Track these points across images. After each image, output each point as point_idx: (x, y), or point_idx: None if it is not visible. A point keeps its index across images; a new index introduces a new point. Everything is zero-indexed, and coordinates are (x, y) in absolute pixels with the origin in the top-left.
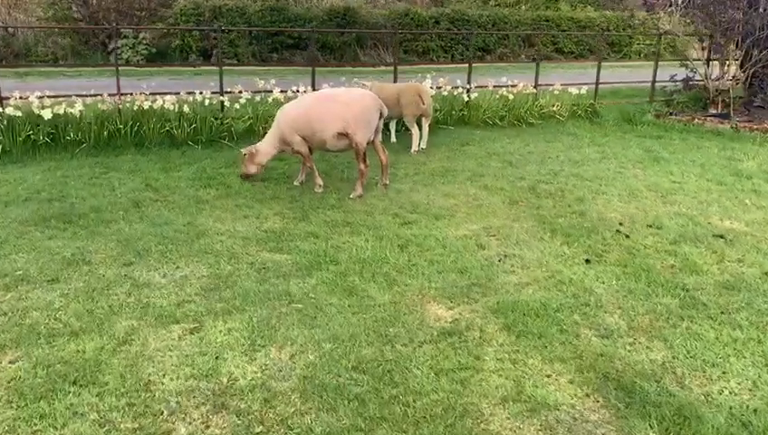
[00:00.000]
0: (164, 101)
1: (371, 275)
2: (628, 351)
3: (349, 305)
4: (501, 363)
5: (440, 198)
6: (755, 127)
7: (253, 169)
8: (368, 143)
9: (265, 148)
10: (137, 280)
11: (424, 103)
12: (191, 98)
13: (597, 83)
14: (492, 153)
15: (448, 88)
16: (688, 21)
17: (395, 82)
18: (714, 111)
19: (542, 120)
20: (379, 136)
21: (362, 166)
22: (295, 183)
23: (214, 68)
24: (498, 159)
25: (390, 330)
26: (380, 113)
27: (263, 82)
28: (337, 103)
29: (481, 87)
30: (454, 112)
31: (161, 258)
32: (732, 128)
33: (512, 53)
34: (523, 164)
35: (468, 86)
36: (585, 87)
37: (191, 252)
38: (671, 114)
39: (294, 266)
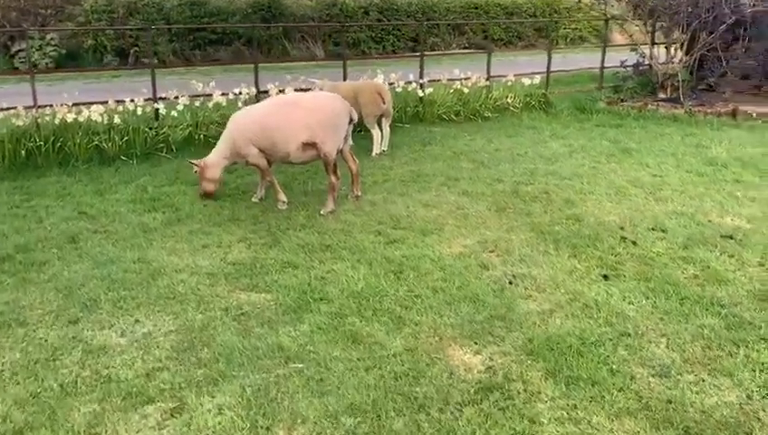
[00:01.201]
0: (90, 112)
1: (372, 314)
2: (697, 393)
3: (358, 359)
4: (562, 426)
5: (421, 209)
6: (708, 111)
7: (211, 187)
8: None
9: (215, 160)
10: (89, 343)
11: (384, 102)
12: (121, 107)
13: (548, 72)
14: (458, 153)
15: (401, 83)
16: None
17: (344, 79)
18: (663, 96)
19: (497, 114)
20: (349, 142)
21: (333, 178)
22: (254, 199)
23: (133, 70)
24: (467, 159)
25: (417, 390)
26: (350, 118)
27: (201, 84)
28: (300, 109)
29: (434, 81)
30: (408, 109)
31: (114, 310)
32: (686, 112)
33: (442, 42)
34: (495, 163)
35: (422, 81)
36: (538, 77)
37: (149, 298)
38: (622, 101)
39: (279, 309)
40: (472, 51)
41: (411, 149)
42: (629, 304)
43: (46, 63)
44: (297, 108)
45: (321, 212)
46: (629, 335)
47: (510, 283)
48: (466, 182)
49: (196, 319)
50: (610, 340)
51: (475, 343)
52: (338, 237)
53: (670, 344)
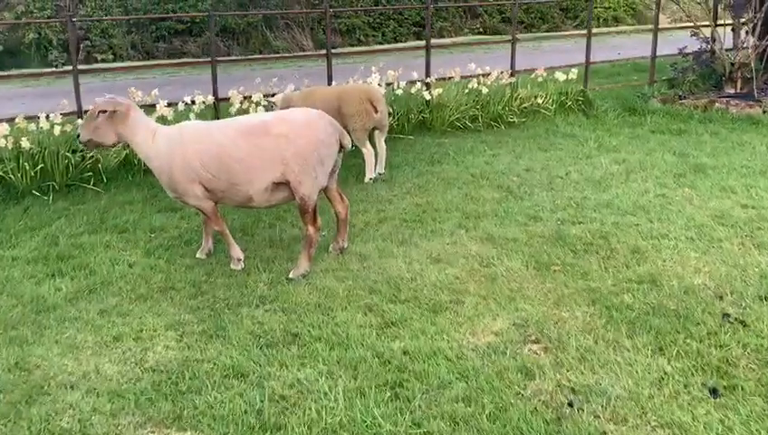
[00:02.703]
0: None
1: None
2: None
3: None
4: None
5: (430, 267)
6: None
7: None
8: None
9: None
10: None
11: (377, 111)
12: (33, 125)
13: (587, 63)
14: (477, 175)
15: (402, 84)
16: None
17: (329, 79)
18: (731, 91)
19: (524, 118)
20: (335, 179)
21: (311, 229)
22: (199, 255)
23: (82, 66)
24: (490, 185)
25: None
26: (340, 144)
27: (140, 92)
28: (270, 137)
29: (444, 79)
30: (412, 116)
31: None
32: (765, 112)
33: (452, 27)
34: (528, 191)
35: (428, 79)
36: (575, 70)
37: None
38: (681, 98)
39: None
40: (487, 39)
41: (416, 171)
42: None
43: None
44: (266, 135)
45: (291, 275)
46: None
47: (570, 404)
48: (491, 221)
49: None
50: None
51: None
52: (310, 319)
53: None
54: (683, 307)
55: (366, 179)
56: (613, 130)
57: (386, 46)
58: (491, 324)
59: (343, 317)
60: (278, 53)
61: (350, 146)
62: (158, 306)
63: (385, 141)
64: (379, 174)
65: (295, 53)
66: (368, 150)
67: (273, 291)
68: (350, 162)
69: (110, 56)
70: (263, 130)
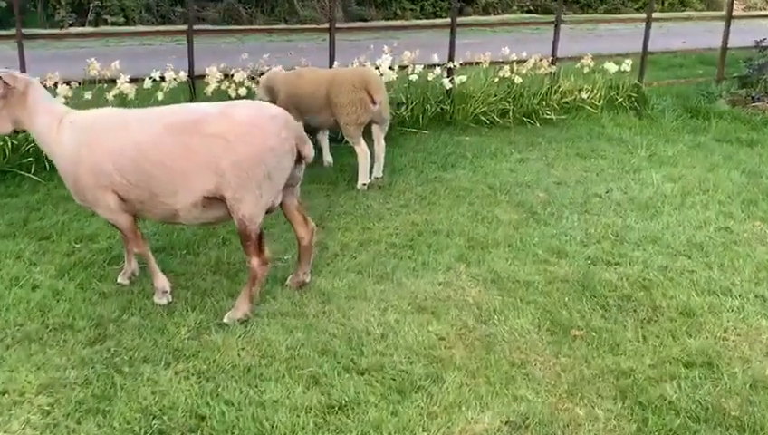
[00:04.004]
0: None
1: None
2: None
3: None
4: None
5: (409, 319)
6: None
7: None
8: (269, 211)
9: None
10: None
11: (375, 102)
12: None
13: (644, 53)
14: (496, 187)
15: (418, 68)
16: None
17: (331, 61)
18: None
19: (564, 115)
20: (296, 194)
21: (254, 262)
22: (120, 280)
23: (87, 29)
24: (508, 202)
25: None
26: (297, 151)
27: (98, 64)
28: (203, 137)
29: (469, 63)
30: (429, 107)
31: None
32: None
33: (499, 4)
34: (555, 213)
35: (451, 64)
36: (629, 61)
37: None
38: (754, 100)
39: None
40: (525, 19)
41: (421, 177)
42: None
43: None
44: (197, 134)
45: (225, 319)
46: None
47: None
48: (501, 253)
49: None
50: None
51: None
52: (230, 393)
53: None
54: (749, 414)
55: (358, 185)
56: (670, 135)
57: (407, 22)
58: (475, 420)
59: (275, 393)
60: (305, 23)
61: (311, 156)
62: (43, 354)
63: (385, 139)
64: (376, 178)
65: (290, 27)
66: (362, 149)
67: (194, 342)
68: (344, 160)
69: (122, 19)
70: (194, 126)
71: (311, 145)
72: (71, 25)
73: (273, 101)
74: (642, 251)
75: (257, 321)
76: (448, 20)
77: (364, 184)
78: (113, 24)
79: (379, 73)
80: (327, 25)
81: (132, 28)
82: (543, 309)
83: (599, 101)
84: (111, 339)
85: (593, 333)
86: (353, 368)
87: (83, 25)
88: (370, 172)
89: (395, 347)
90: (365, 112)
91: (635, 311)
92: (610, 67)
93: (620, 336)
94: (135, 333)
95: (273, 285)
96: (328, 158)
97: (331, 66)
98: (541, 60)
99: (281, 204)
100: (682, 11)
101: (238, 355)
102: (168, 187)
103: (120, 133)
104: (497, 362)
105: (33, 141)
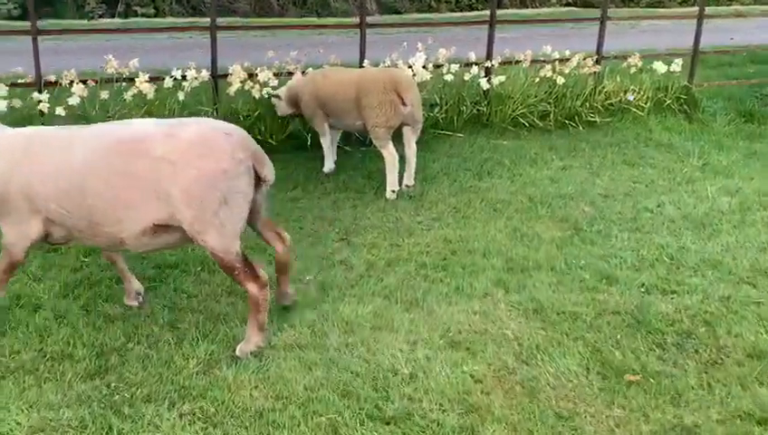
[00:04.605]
0: None
1: None
2: None
3: None
4: None
5: (441, 356)
6: None
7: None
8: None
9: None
10: None
11: (405, 103)
12: None
13: (695, 52)
14: (537, 198)
15: (454, 67)
16: None
17: (362, 59)
18: None
19: (609, 118)
20: (264, 209)
21: (252, 289)
22: (128, 302)
23: (115, 21)
24: (551, 216)
25: None
26: (256, 173)
27: (116, 61)
28: (149, 160)
29: (508, 63)
30: (464, 108)
31: None
32: None
33: None
34: (603, 230)
35: (489, 63)
36: (679, 60)
37: None
38: None
39: None
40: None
41: (455, 187)
42: None
43: (9, 11)
44: (146, 156)
45: (237, 352)
46: None
47: None
48: (545, 278)
49: None
50: None
51: None
52: None
53: None
54: None
55: (387, 193)
56: (724, 142)
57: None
58: None
59: None
60: (335, 15)
61: (272, 179)
62: (37, 389)
63: (417, 142)
64: (406, 187)
65: (317, 22)
66: (390, 154)
67: (203, 379)
68: (372, 167)
69: (152, 10)
70: (141, 148)
71: (270, 166)
72: (100, 16)
73: (298, 107)
74: (701, 278)
75: (273, 354)
76: (486, 12)
77: (393, 191)
78: (143, 15)
79: (411, 73)
80: (357, 20)
81: (156, 21)
82: (593, 347)
83: (645, 103)
84: (113, 372)
85: (651, 379)
86: (377, 416)
87: (113, 16)
88: (400, 179)
89: (425, 391)
90: (395, 115)
91: (696, 351)
92: (659, 67)
93: (682, 383)
94: (139, 366)
95: (293, 311)
96: (330, 165)
97: (361, 63)
98: (585, 59)
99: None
100: (728, 5)
101: (250, 395)
102: (111, 215)
103: (59, 157)
104: (542, 413)
105: None
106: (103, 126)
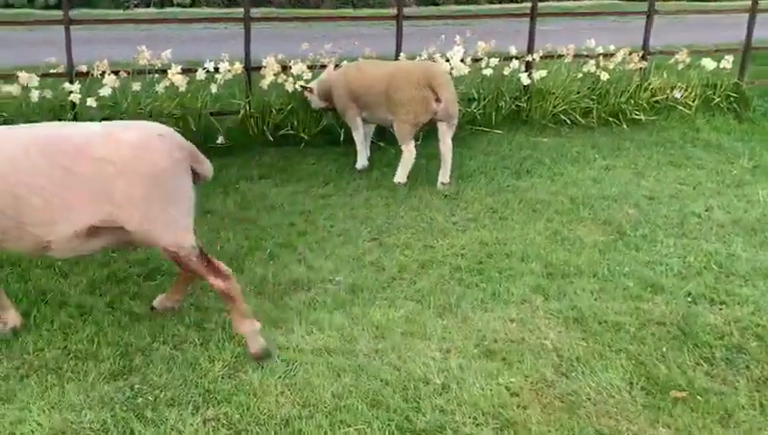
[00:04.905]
0: None
1: None
2: None
3: None
4: None
5: (475, 365)
6: None
7: None
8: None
9: None
10: None
11: (440, 99)
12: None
13: (747, 48)
14: (579, 199)
15: (493, 61)
16: None
17: (398, 51)
18: None
19: (654, 116)
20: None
21: (216, 282)
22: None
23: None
24: (593, 218)
25: None
26: (195, 171)
27: (148, 52)
28: (90, 161)
29: (549, 57)
30: (503, 104)
31: None
32: None
33: None
34: (648, 234)
35: (530, 57)
36: (729, 57)
37: None
38: None
39: None
40: (613, 8)
41: (492, 186)
42: None
43: (46, 0)
44: (85, 157)
45: (253, 357)
46: None
47: None
48: (586, 284)
49: None
50: None
51: None
52: None
53: None
54: None
55: (395, 179)
56: None
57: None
58: None
59: None
60: (372, 6)
61: (209, 174)
62: (60, 389)
63: (452, 138)
64: (442, 184)
65: (353, 14)
66: (409, 151)
67: (228, 383)
68: (419, 162)
69: (188, 0)
70: (79, 149)
71: (208, 164)
72: (135, 6)
73: (331, 100)
74: (752, 288)
75: (300, 358)
76: (528, 4)
77: (400, 183)
78: (179, 5)
79: (448, 67)
80: (395, 12)
81: (192, 11)
82: (636, 360)
83: (693, 101)
84: (137, 373)
85: (698, 397)
86: (408, 428)
87: (148, 6)
88: (435, 177)
89: (458, 403)
90: (425, 112)
91: (747, 367)
92: (708, 64)
93: (732, 402)
94: (163, 367)
95: (321, 311)
96: (363, 161)
97: (397, 56)
98: (630, 54)
99: None
100: None
101: (276, 402)
102: (44, 216)
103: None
104: (582, 430)
105: None
106: (47, 125)
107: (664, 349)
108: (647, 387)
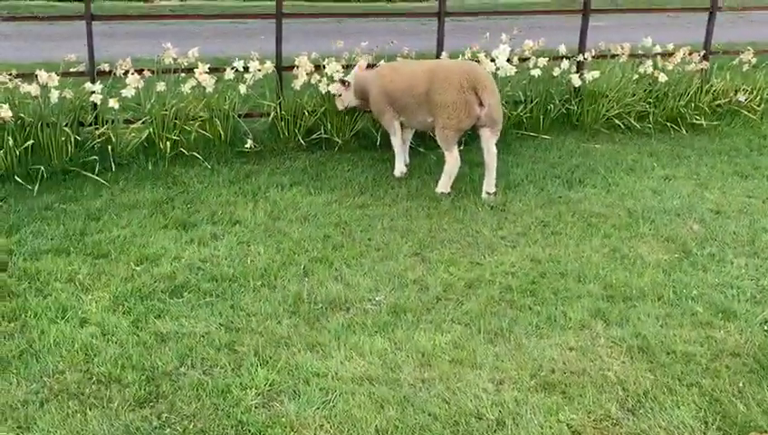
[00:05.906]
0: None
1: None
2: None
3: None
4: None
5: (532, 400)
6: None
7: None
8: None
9: None
10: None
11: (483, 103)
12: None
13: None
14: (638, 212)
15: (541, 61)
16: None
17: (439, 49)
18: None
19: (717, 121)
20: None
21: None
22: None
23: (173, 4)
24: (654, 234)
25: None
26: None
27: (174, 49)
28: None
29: (602, 57)
30: (551, 107)
31: None
32: None
33: None
34: (716, 253)
35: (581, 57)
36: None
37: None
38: None
39: None
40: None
41: (542, 196)
42: None
43: None
44: None
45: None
46: None
47: None
48: (650, 308)
49: None
50: None
51: None
52: None
53: None
54: None
55: (437, 189)
56: None
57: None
58: None
59: None
60: (409, 1)
61: None
62: (82, 416)
63: (497, 145)
64: (487, 194)
65: (392, 11)
66: (454, 158)
67: (262, 413)
68: (462, 170)
69: None
70: None
71: None
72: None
73: (366, 100)
74: None
75: (339, 386)
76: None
77: (443, 193)
78: None
79: (493, 68)
80: (436, 8)
81: (217, 5)
82: (710, 396)
83: (759, 106)
84: (164, 400)
85: None
86: None
87: None
88: (480, 186)
89: None
90: (468, 117)
91: None
92: None
93: None
94: (192, 395)
95: (361, 334)
96: (401, 167)
97: (438, 55)
98: (690, 54)
99: None
100: None
101: None
102: None
103: None
104: None
105: (99, 136)
106: None
107: (740, 383)
108: (723, 427)
